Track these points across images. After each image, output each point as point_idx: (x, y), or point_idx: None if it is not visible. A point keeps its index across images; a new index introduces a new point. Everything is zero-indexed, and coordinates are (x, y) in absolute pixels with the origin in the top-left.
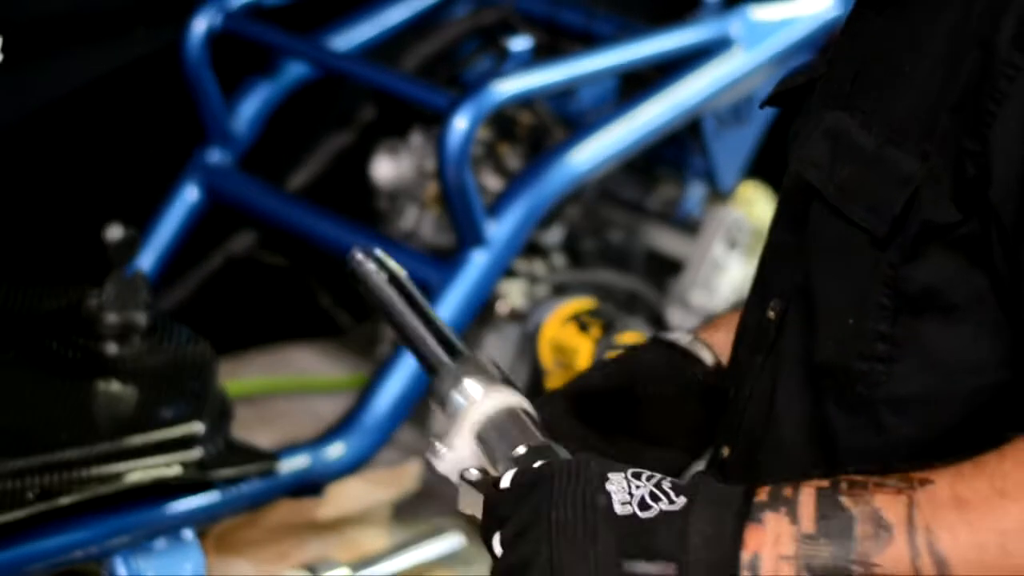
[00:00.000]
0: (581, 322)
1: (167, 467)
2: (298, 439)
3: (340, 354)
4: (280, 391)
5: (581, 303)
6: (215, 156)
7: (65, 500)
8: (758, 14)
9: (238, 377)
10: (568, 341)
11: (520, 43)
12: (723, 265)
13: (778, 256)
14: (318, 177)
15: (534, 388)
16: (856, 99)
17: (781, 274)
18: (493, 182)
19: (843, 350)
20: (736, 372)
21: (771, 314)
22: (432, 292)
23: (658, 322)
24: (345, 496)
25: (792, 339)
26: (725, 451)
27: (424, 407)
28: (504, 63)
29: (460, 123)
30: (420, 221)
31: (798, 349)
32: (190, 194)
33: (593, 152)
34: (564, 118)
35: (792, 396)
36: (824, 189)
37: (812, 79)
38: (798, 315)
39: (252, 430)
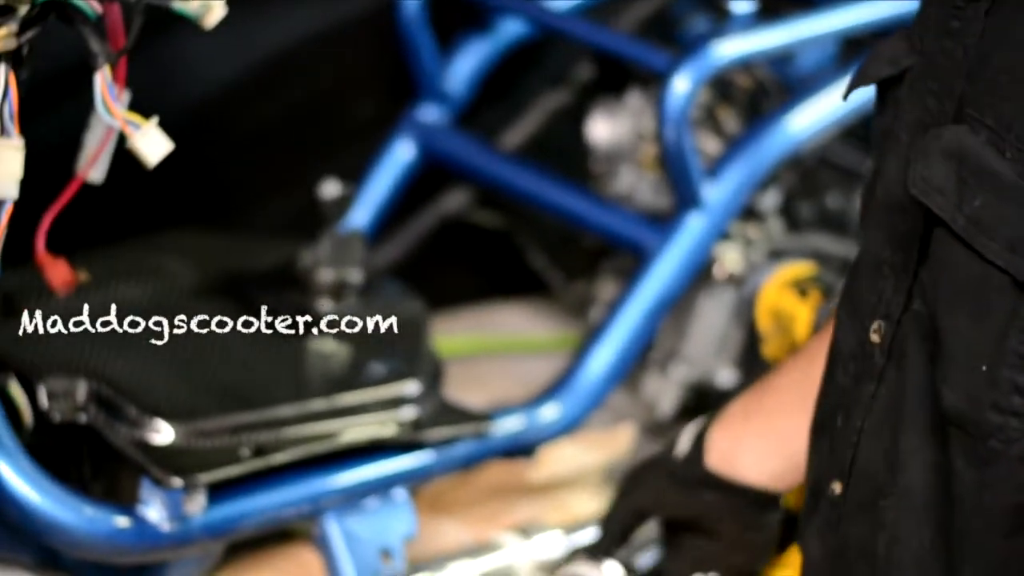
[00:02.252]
0: (801, 288)
1: (381, 426)
2: (506, 399)
3: (550, 314)
4: (488, 351)
5: (800, 268)
6: (430, 114)
7: (279, 458)
8: None
9: (446, 336)
10: (787, 307)
11: (742, 5)
12: None
13: (878, 273)
14: (533, 136)
15: (750, 353)
16: (971, 110)
17: (883, 293)
18: (711, 145)
19: (974, 399)
20: (838, 398)
21: (875, 338)
22: (648, 255)
23: None
24: (557, 459)
25: (912, 372)
26: (836, 488)
27: (637, 371)
28: (723, 25)
29: (681, 84)
30: (636, 183)
31: (919, 386)
32: (404, 152)
33: (812, 117)
34: (782, 82)
35: (917, 440)
36: (951, 221)
37: (902, 71)
38: (916, 346)
39: (460, 389)
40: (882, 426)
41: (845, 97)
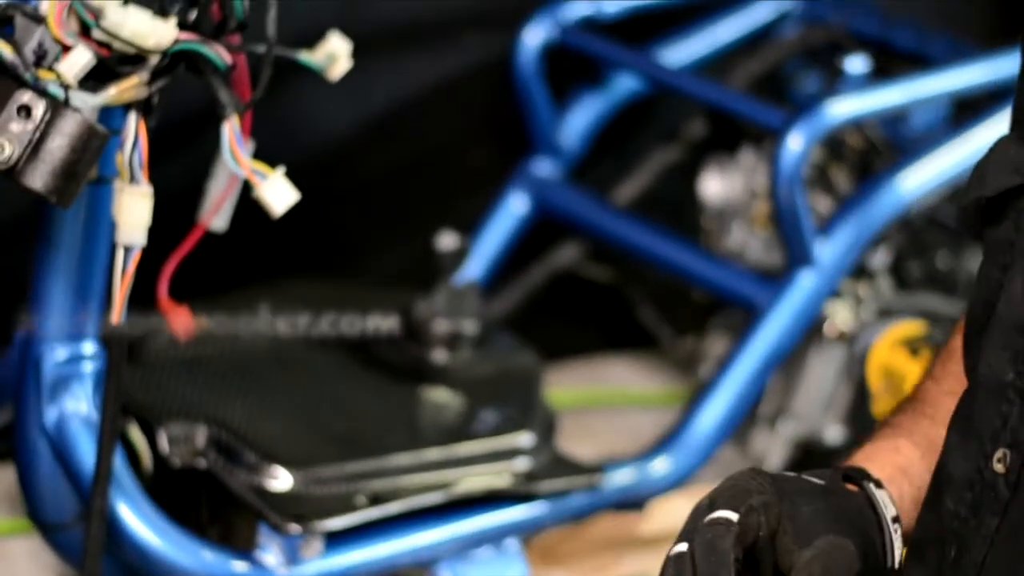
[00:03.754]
0: (912, 347)
1: (496, 477)
2: (614, 452)
3: (658, 368)
4: (597, 403)
5: (912, 327)
6: (543, 168)
7: (395, 506)
8: None
9: (556, 388)
10: (899, 365)
11: (856, 64)
12: None
13: (1002, 396)
14: (645, 191)
15: (858, 411)
16: None
17: (1009, 419)
18: (822, 203)
19: None
20: (947, 527)
21: (998, 467)
22: (760, 312)
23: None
24: (667, 512)
25: None
26: None
27: (746, 426)
28: (836, 83)
29: (795, 143)
30: (747, 240)
31: None
32: (518, 204)
33: (923, 178)
34: (893, 142)
35: None
36: None
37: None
38: None
39: (569, 441)
40: (1007, 563)
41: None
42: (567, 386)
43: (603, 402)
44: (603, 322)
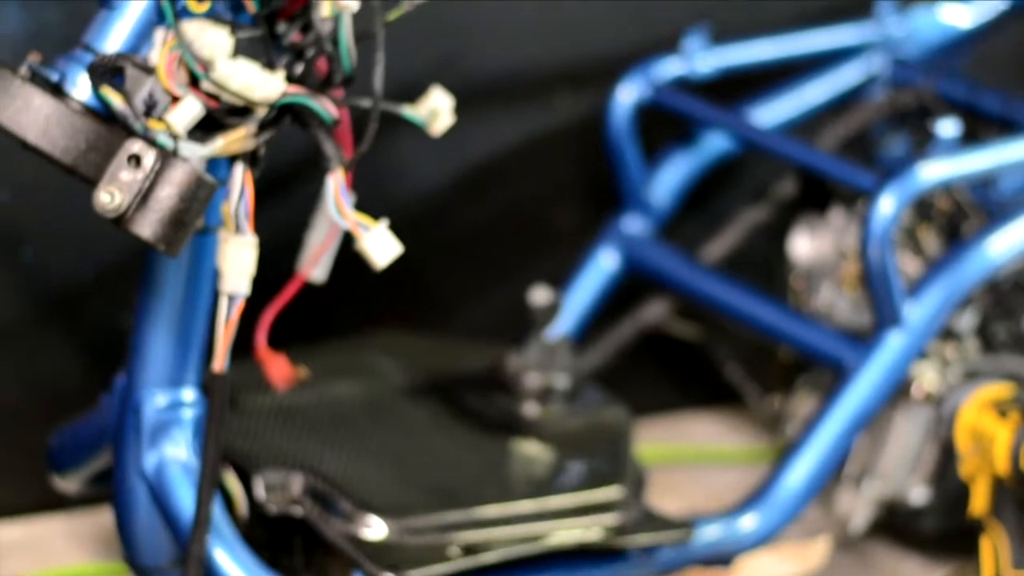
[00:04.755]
0: (1000, 409)
1: (586, 530)
2: (697, 509)
3: (742, 426)
4: (681, 460)
5: (1000, 389)
6: (633, 224)
7: (488, 558)
8: None
9: (640, 443)
10: (987, 427)
11: (947, 128)
12: None
13: None
14: (733, 249)
15: (943, 472)
16: None
17: None
18: (910, 265)
19: None
20: None
21: None
22: (848, 372)
23: None
24: (752, 569)
25: None
26: None
27: (831, 485)
28: (925, 147)
29: (887, 205)
30: (836, 300)
31: None
32: (608, 261)
33: (1011, 241)
34: (981, 205)
35: None
36: None
37: None
38: None
39: (653, 496)
40: None
41: None
42: (651, 442)
43: (687, 458)
44: (689, 379)
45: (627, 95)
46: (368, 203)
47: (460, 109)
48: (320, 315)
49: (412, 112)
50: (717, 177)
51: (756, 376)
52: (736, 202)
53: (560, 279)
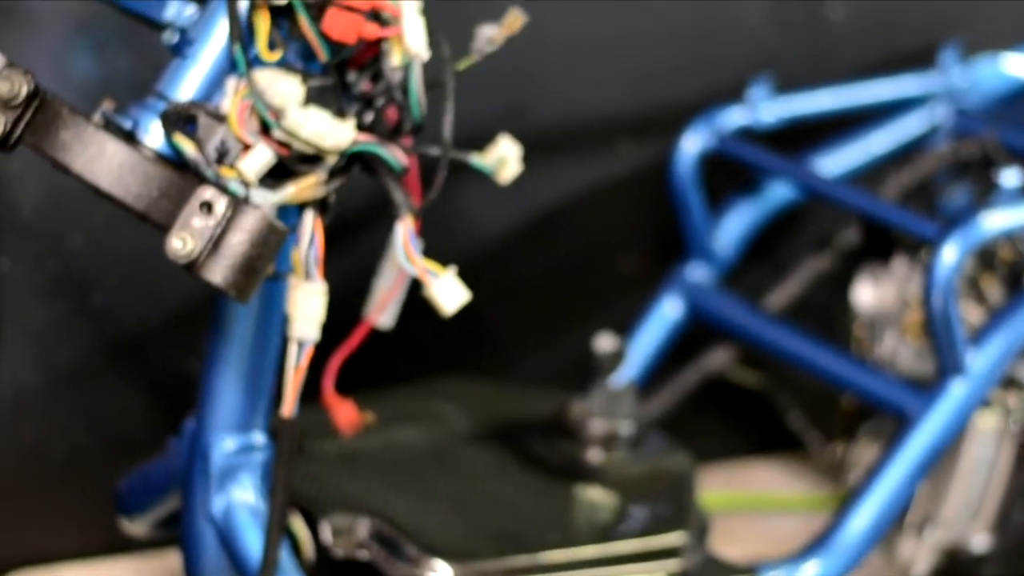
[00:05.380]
0: None
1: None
2: (759, 555)
3: (805, 474)
4: (744, 507)
5: None
6: (697, 273)
7: None
8: None
9: (702, 490)
10: None
11: (1011, 177)
12: None
13: None
14: (797, 298)
15: (1005, 519)
16: None
17: None
18: (973, 313)
19: None
20: None
21: None
22: (910, 420)
23: None
24: None
25: None
26: None
27: (892, 532)
28: (988, 196)
29: (950, 254)
30: (898, 348)
31: None
32: (672, 309)
33: None
34: None
35: None
36: None
37: None
38: None
39: (715, 543)
40: None
41: None
42: (714, 488)
43: (749, 506)
44: (751, 426)
45: (692, 144)
46: (435, 250)
47: (526, 157)
48: (386, 361)
49: (480, 160)
50: (781, 226)
51: (818, 424)
52: (799, 251)
53: (624, 326)
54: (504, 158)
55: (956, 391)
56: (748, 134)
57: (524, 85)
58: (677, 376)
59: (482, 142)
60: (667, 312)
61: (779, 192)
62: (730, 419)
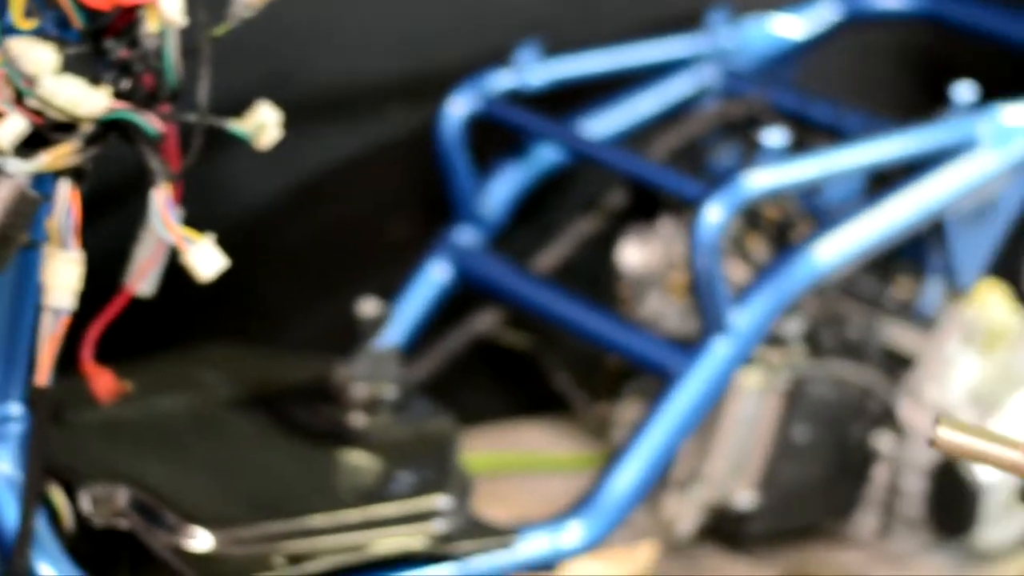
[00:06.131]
0: None
1: (412, 538)
2: (528, 516)
3: (573, 434)
4: (511, 468)
5: None
6: (465, 236)
7: (312, 567)
8: (1006, 119)
9: (471, 452)
10: None
11: (773, 137)
12: (957, 362)
13: None
14: (565, 260)
15: (770, 477)
16: None
17: None
18: (738, 272)
19: None
20: None
21: None
22: (673, 378)
23: (890, 417)
24: (580, 574)
25: None
26: None
27: (657, 491)
28: (754, 156)
29: (713, 214)
30: (664, 308)
31: None
32: (439, 272)
33: (838, 249)
34: (809, 213)
35: None
36: None
37: None
38: None
39: (483, 505)
40: None
41: None
42: (482, 450)
43: (518, 467)
44: (520, 388)
45: (458, 108)
46: (200, 217)
47: (293, 123)
48: (151, 329)
49: (239, 126)
50: (549, 188)
51: (585, 384)
52: (567, 213)
53: (393, 291)
54: (263, 124)
55: (719, 349)
56: (516, 97)
57: (289, 51)
58: (444, 339)
59: (248, 109)
60: (434, 276)
61: (547, 155)
62: (499, 381)
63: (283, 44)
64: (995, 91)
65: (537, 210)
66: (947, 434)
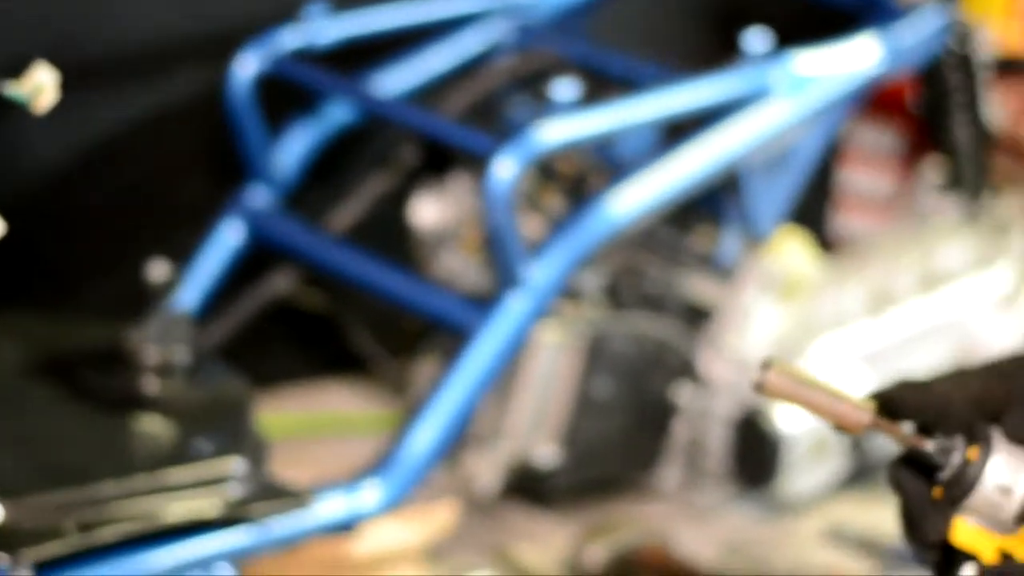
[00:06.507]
0: None
1: (204, 503)
2: (332, 476)
3: (373, 393)
4: (313, 429)
5: None
6: (258, 197)
7: (104, 534)
8: (799, 67)
9: (272, 413)
10: None
11: (564, 90)
12: (756, 312)
13: None
14: (360, 219)
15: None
16: None
17: None
18: (534, 227)
19: None
20: None
21: None
22: (469, 335)
23: (690, 369)
24: (379, 535)
25: None
26: None
27: (457, 447)
28: (547, 109)
29: (503, 169)
30: (459, 265)
31: None
32: (232, 233)
33: (633, 201)
34: (605, 165)
35: None
36: None
37: None
38: None
39: (285, 467)
40: None
41: None
42: (284, 412)
43: (320, 427)
44: (319, 348)
45: (246, 67)
46: None
47: (79, 85)
48: None
49: (14, 89)
50: (344, 147)
51: (384, 343)
52: (360, 171)
53: (186, 253)
54: (40, 86)
55: (514, 305)
56: (307, 55)
57: (73, 10)
58: (239, 301)
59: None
60: (227, 238)
61: (338, 113)
62: (298, 341)
63: (66, 4)
64: (789, 39)
65: (332, 169)
66: (776, 379)
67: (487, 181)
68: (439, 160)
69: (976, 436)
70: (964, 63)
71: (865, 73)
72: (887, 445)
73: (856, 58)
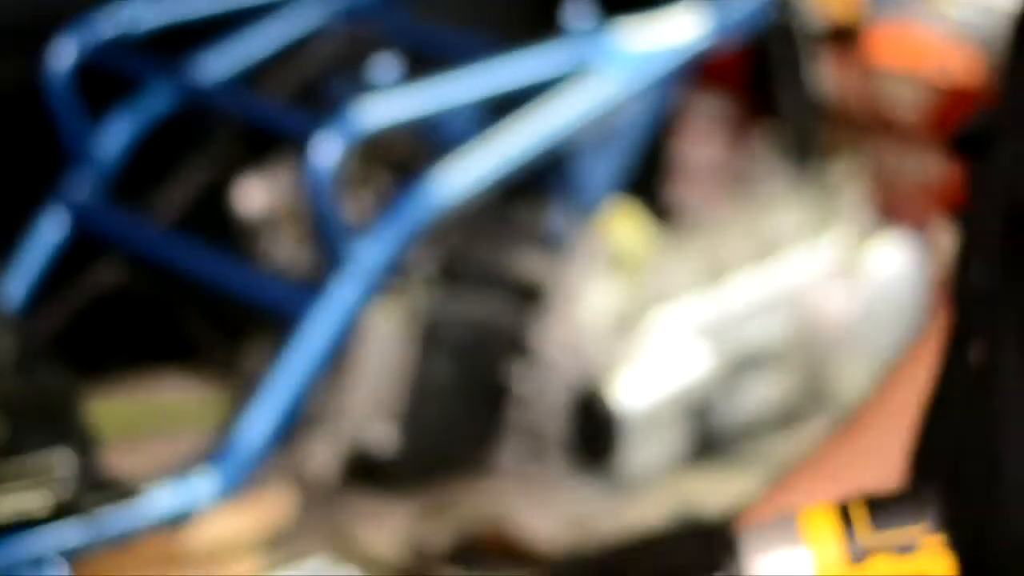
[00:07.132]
0: None
1: (30, 499)
2: (167, 467)
3: (206, 382)
4: (146, 419)
5: None
6: (80, 189)
7: None
8: (622, 41)
9: (103, 406)
10: None
11: (385, 69)
12: (588, 287)
13: (981, 300)
14: (185, 206)
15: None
16: None
17: (984, 317)
18: (361, 208)
19: None
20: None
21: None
22: (297, 319)
23: (523, 347)
24: (215, 526)
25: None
26: None
27: (294, 433)
28: (369, 90)
29: (324, 150)
30: (286, 250)
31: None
32: (54, 226)
33: (459, 179)
34: (430, 144)
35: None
36: None
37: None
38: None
39: (119, 459)
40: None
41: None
42: (117, 404)
43: (154, 418)
44: (152, 337)
45: (63, 56)
46: None
47: None
48: None
49: None
50: (168, 134)
51: (215, 331)
52: (184, 158)
53: (9, 248)
54: None
55: (341, 288)
56: (126, 41)
57: None
58: (66, 294)
59: None
60: (49, 230)
61: (160, 100)
62: (131, 330)
63: None
64: (613, 12)
65: (157, 157)
66: None
67: (308, 163)
68: (263, 144)
69: None
70: (789, 34)
71: (691, 46)
72: (730, 415)
73: (681, 31)
